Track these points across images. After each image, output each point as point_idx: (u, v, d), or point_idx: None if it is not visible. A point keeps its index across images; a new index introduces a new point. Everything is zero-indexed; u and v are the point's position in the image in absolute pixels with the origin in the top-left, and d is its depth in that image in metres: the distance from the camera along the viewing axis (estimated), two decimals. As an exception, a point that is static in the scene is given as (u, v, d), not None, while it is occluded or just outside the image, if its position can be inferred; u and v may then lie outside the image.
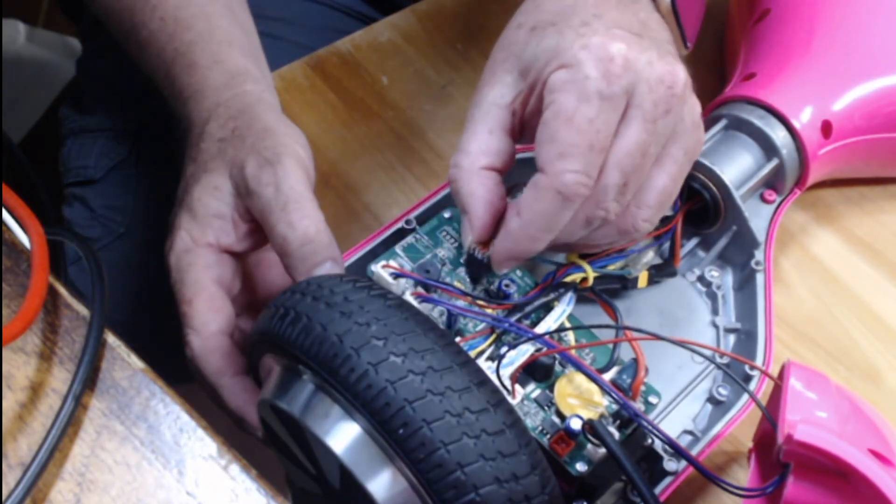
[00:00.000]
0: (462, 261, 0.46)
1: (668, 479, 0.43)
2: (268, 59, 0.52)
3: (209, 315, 0.42)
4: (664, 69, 0.39)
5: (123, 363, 0.38)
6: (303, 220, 0.42)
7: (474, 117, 0.41)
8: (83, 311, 0.39)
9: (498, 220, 0.41)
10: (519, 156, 0.42)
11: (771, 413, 0.40)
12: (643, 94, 0.38)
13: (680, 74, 0.39)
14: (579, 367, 0.41)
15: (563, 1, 0.41)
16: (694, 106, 0.41)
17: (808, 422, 0.36)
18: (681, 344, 0.40)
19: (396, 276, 0.43)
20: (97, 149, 0.64)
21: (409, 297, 0.42)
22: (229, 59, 0.49)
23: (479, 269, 0.44)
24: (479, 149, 0.40)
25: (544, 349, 0.42)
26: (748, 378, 0.47)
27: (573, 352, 0.42)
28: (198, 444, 0.37)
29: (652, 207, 0.41)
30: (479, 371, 0.34)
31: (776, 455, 0.38)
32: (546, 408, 0.42)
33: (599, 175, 0.39)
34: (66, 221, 0.63)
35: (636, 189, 0.40)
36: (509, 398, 0.41)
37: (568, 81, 0.38)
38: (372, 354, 0.33)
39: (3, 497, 0.34)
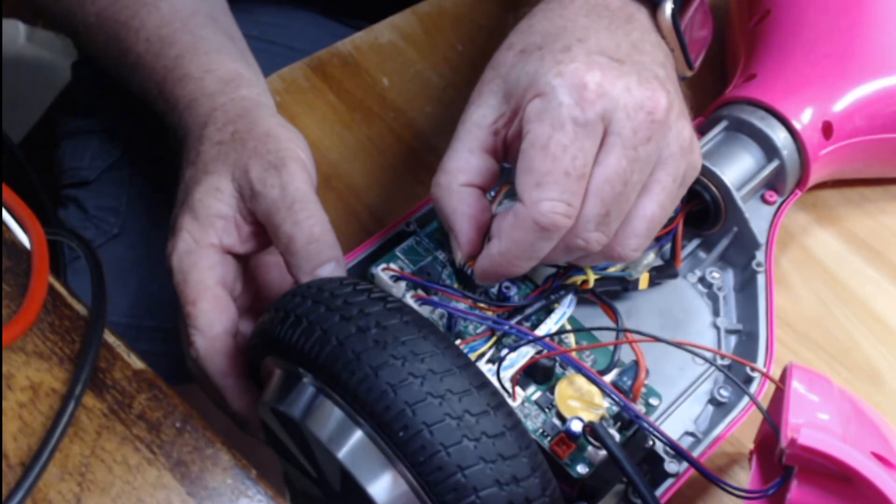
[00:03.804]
0: (454, 273, 0.46)
1: (669, 481, 0.43)
2: (263, 64, 0.52)
3: (214, 316, 0.42)
4: (643, 95, 0.38)
5: (123, 363, 0.38)
6: (308, 219, 0.42)
7: (456, 136, 0.41)
8: (83, 311, 0.39)
9: (484, 234, 0.41)
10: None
11: (773, 415, 0.40)
12: (621, 120, 0.38)
13: (661, 100, 0.38)
14: (580, 370, 0.41)
15: (553, 22, 0.41)
16: (682, 130, 0.40)
17: (812, 425, 0.36)
18: (680, 346, 0.40)
19: (397, 278, 0.43)
20: (91, 150, 0.64)
21: (409, 300, 0.42)
22: (220, 67, 0.49)
23: (469, 281, 0.44)
24: (458, 167, 0.40)
25: (545, 351, 0.42)
26: (749, 379, 0.47)
27: (573, 354, 0.42)
28: (198, 445, 0.37)
29: (640, 236, 0.40)
30: (480, 374, 0.34)
31: (778, 457, 0.38)
32: (547, 410, 0.42)
33: (581, 204, 0.38)
34: (61, 223, 0.63)
35: (621, 218, 0.39)
36: (510, 400, 0.41)
37: (542, 111, 0.38)
38: (372, 358, 0.33)
39: (3, 497, 0.33)
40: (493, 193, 0.44)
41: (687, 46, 0.44)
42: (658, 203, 0.40)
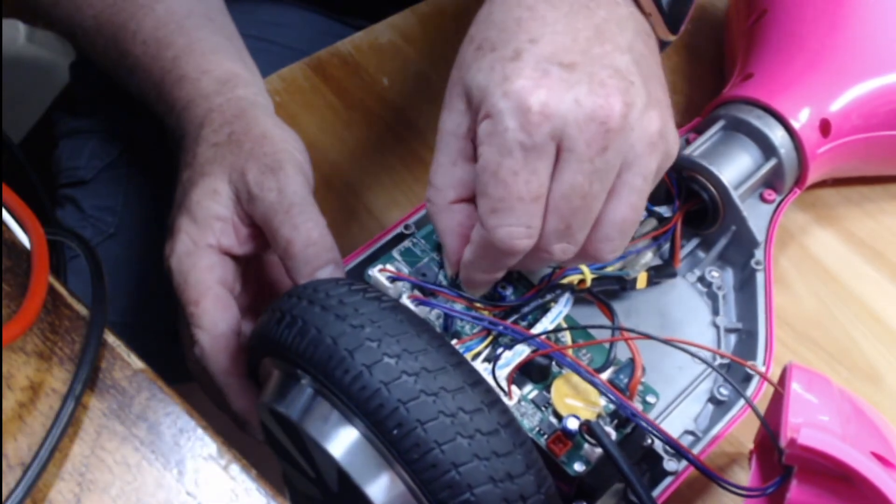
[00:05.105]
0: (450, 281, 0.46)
1: (668, 480, 0.43)
2: (261, 63, 0.52)
3: (218, 315, 0.42)
4: (594, 104, 0.36)
5: (123, 363, 0.38)
6: (306, 223, 0.42)
7: (437, 147, 0.40)
8: (83, 311, 0.39)
9: None
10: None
11: (773, 414, 0.40)
12: (573, 136, 0.36)
13: (615, 106, 0.36)
14: (574, 368, 0.41)
15: (511, 12, 0.39)
16: (647, 127, 0.38)
17: (812, 425, 0.36)
18: (670, 343, 0.40)
19: (393, 279, 0.43)
20: (89, 149, 0.64)
21: (406, 301, 0.42)
22: (217, 67, 0.49)
23: (461, 288, 0.44)
24: (445, 182, 0.40)
25: (540, 350, 0.42)
26: (749, 377, 0.47)
27: (570, 352, 0.42)
28: (198, 444, 0.37)
29: (614, 240, 0.40)
30: (473, 371, 0.34)
31: (778, 457, 0.38)
32: (543, 408, 0.42)
33: (542, 221, 0.38)
34: (58, 223, 0.63)
35: (587, 228, 0.39)
36: (506, 399, 0.41)
37: (491, 134, 0.37)
38: (366, 356, 0.33)
39: (3, 497, 0.34)
40: None
41: (665, 8, 0.42)
42: (629, 205, 0.39)
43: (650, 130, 0.38)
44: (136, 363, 0.38)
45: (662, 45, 0.43)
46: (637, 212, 0.39)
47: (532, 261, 0.40)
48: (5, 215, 0.40)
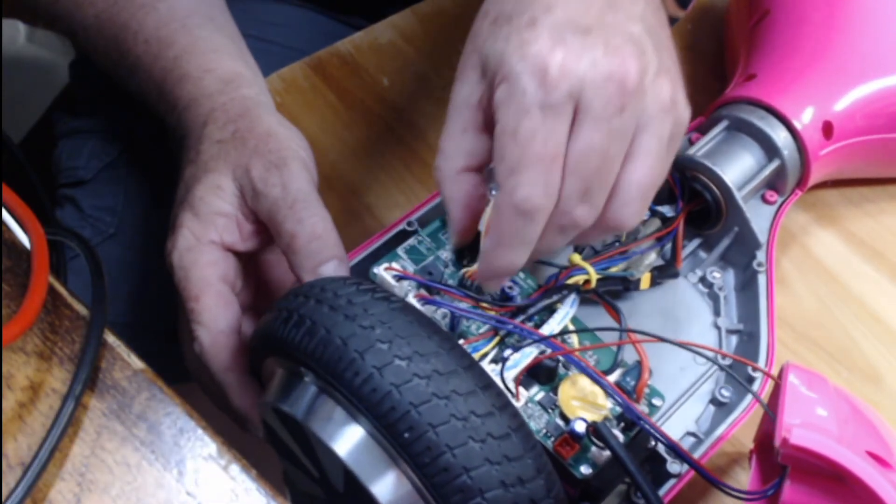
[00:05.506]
0: (451, 257, 0.46)
1: (671, 482, 0.43)
2: (261, 63, 0.52)
3: (218, 311, 0.42)
4: (611, 66, 0.37)
5: (123, 363, 0.38)
6: (311, 217, 0.42)
7: (448, 116, 0.41)
8: (83, 311, 0.39)
9: (478, 220, 0.41)
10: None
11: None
12: (590, 96, 0.37)
13: (631, 68, 0.37)
14: (583, 370, 0.41)
15: None
16: (659, 91, 0.39)
17: (805, 425, 0.36)
18: (683, 346, 0.40)
19: (399, 278, 0.43)
20: (88, 149, 0.64)
21: (412, 300, 0.42)
22: (219, 67, 0.49)
23: (465, 254, 0.44)
24: (455, 150, 0.40)
25: (548, 351, 0.42)
26: (751, 379, 0.47)
27: (577, 354, 0.42)
28: (198, 444, 0.37)
29: (634, 201, 0.40)
30: (484, 374, 0.34)
31: (775, 457, 0.38)
32: (550, 410, 0.42)
33: (561, 183, 0.38)
34: (58, 223, 0.63)
35: (606, 190, 0.39)
36: (513, 401, 0.41)
37: (508, 97, 0.37)
38: (377, 358, 0.33)
39: (3, 497, 0.33)
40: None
41: None
42: (646, 166, 0.39)
43: (662, 94, 0.39)
44: (136, 363, 0.38)
45: (671, 21, 0.44)
46: (654, 174, 0.40)
47: (553, 232, 0.39)
48: (5, 215, 0.40)
